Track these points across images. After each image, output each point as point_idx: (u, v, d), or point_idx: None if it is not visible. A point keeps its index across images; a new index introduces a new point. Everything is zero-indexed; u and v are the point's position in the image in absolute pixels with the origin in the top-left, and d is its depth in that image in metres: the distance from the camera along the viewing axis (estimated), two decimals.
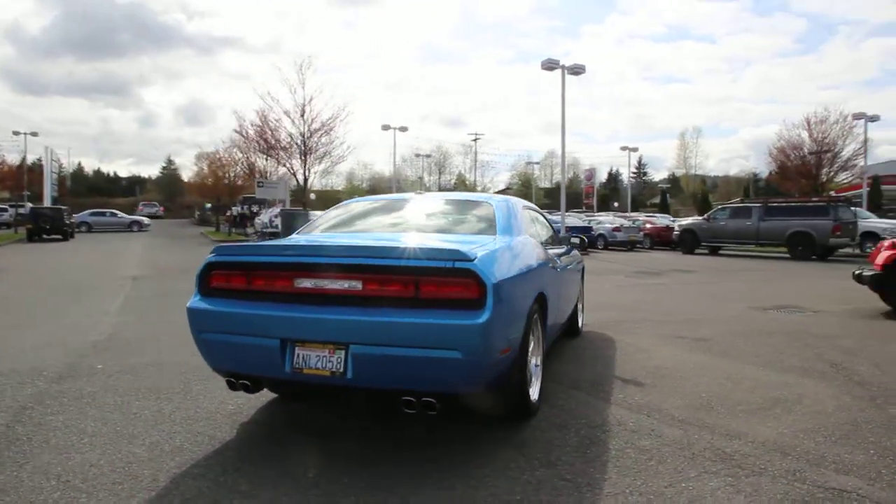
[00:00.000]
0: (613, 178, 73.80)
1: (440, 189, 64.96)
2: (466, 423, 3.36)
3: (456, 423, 3.36)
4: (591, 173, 69.34)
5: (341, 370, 2.81)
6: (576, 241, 5.87)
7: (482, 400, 3.12)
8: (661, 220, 28.04)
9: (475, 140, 65.06)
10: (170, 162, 73.01)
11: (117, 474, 2.76)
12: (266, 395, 3.84)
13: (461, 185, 65.44)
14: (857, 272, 7.84)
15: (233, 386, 3.12)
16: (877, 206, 26.55)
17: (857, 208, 20.64)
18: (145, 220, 37.12)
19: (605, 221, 25.43)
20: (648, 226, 25.72)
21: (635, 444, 3.06)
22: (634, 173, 72.95)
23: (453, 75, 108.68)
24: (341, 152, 14.90)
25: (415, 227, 3.90)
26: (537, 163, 71.73)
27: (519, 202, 4.40)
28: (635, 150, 48.14)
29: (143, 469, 2.81)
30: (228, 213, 32.25)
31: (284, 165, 15.02)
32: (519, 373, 3.17)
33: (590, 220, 25.95)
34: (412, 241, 3.13)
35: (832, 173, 26.17)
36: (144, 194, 65.54)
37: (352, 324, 2.79)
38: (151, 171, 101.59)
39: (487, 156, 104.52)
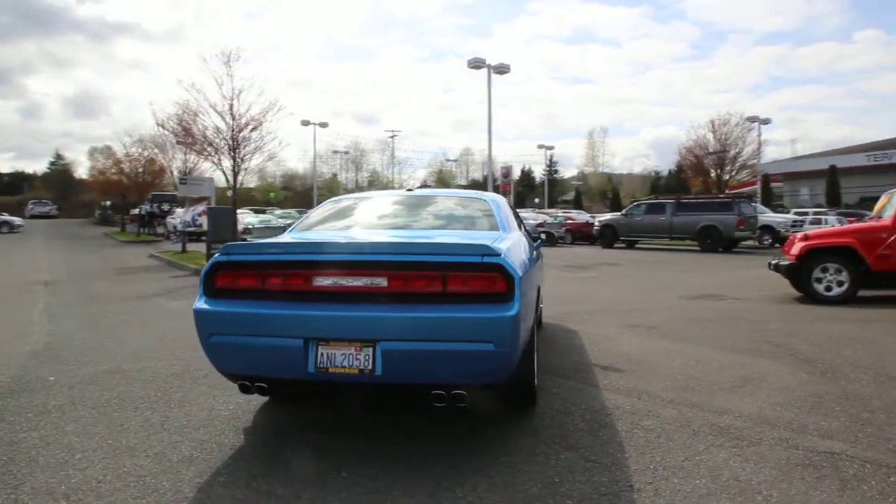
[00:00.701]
0: (527, 175, 75.98)
1: (358, 187, 64.28)
2: (470, 417, 3.44)
3: (462, 417, 3.43)
4: (507, 171, 70.86)
5: (370, 367, 2.79)
6: (543, 236, 6.12)
7: (495, 391, 3.21)
8: (580, 216, 29.31)
9: (392, 137, 64.97)
10: (59, 157, 66.97)
11: (133, 489, 2.60)
12: (257, 399, 3.72)
13: (378, 182, 65.08)
14: (773, 262, 8.65)
15: (246, 390, 3.01)
16: (768, 202, 29.28)
17: (755, 204, 22.64)
18: (17, 220, 33.59)
19: (529, 218, 26.25)
20: (569, 222, 26.81)
21: (639, 424, 3.27)
22: (546, 171, 75.73)
23: (364, 71, 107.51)
24: (273, 147, 14.41)
25: (418, 223, 3.92)
26: (455, 160, 72.73)
27: (503, 199, 4.53)
28: (552, 148, 50.17)
29: (160, 481, 2.66)
30: (135, 212, 30.17)
31: (212, 161, 14.32)
32: (528, 362, 3.30)
33: (557, 218, 26.63)
34: (435, 236, 3.18)
35: (734, 171, 28.63)
36: (32, 192, 59.86)
37: (382, 320, 2.78)
38: (37, 166, 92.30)
39: (404, 153, 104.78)
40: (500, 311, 2.76)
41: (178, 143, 18.59)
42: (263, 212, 29.73)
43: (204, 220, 14.46)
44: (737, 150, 27.65)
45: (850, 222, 18.10)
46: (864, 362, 4.53)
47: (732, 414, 3.41)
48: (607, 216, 24.67)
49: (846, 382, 4.02)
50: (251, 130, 14.04)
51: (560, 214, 29.46)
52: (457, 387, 2.81)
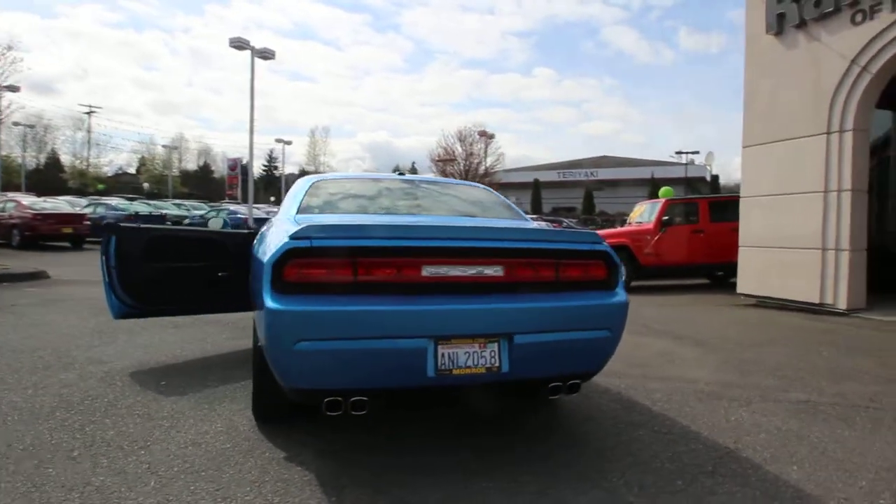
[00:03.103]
0: (244, 169, 72.53)
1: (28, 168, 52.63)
2: (503, 408, 3.39)
3: (488, 409, 3.34)
4: (235, 163, 66.48)
5: (497, 364, 2.54)
6: None
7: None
8: None
9: (90, 113, 55.20)
10: None
11: None
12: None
13: (74, 168, 54.69)
14: None
15: (335, 408, 2.42)
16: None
17: None
18: None
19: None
20: None
21: (667, 397, 3.64)
22: (266, 166, 73.42)
23: (40, 29, 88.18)
24: None
25: (455, 209, 3.58)
26: (174, 147, 65.28)
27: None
28: (290, 143, 48.65)
29: None
30: None
31: None
32: None
33: (270, 213, 25.33)
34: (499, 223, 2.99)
35: (478, 179, 32.24)
36: None
37: (512, 312, 2.56)
38: None
39: (101, 133, 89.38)
40: (613, 297, 2.80)
41: None
42: None
43: None
44: (478, 160, 31.33)
45: (556, 227, 22.11)
46: (710, 335, 5.77)
47: (701, 381, 4.04)
48: None
49: (724, 352, 5.09)
50: None
51: None
52: (572, 377, 2.76)
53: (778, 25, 7.52)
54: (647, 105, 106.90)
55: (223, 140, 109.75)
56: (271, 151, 74.18)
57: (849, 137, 6.76)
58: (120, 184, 57.73)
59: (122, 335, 5.19)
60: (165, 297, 4.43)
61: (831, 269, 6.93)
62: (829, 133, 6.94)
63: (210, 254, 4.59)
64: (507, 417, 3.30)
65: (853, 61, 6.66)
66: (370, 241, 2.47)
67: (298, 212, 3.20)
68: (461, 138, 31.24)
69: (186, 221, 23.06)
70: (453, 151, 31.59)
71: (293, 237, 2.38)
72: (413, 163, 68.37)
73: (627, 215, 19.48)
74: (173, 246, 4.48)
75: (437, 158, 32.47)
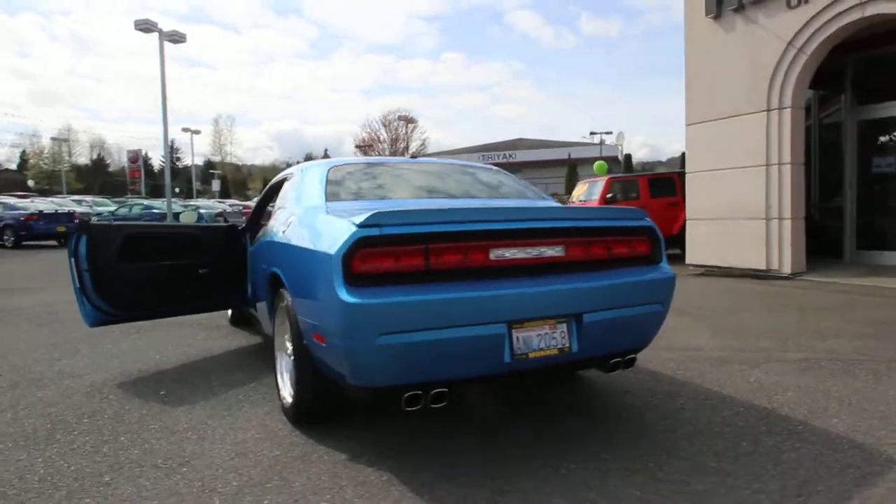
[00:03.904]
0: (144, 161, 68.16)
1: None
2: (549, 392, 3.38)
3: (539, 396, 3.32)
4: (136, 155, 62.49)
5: (567, 345, 2.51)
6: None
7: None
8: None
9: None
10: None
11: None
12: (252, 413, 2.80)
13: None
14: None
15: (415, 402, 2.28)
16: None
17: None
18: None
19: (207, 207, 23.91)
20: (246, 210, 25.55)
21: (684, 366, 3.75)
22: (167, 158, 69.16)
23: None
24: None
25: (485, 192, 3.45)
26: (65, 140, 60.06)
27: None
28: (198, 132, 45.99)
29: None
30: None
31: None
32: None
33: (187, 206, 23.86)
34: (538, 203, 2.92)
35: None
36: None
37: (581, 292, 2.53)
38: None
39: None
40: (664, 272, 2.84)
41: None
42: None
43: None
44: (404, 145, 31.03)
45: None
46: (685, 304, 6.05)
47: (706, 348, 4.22)
48: None
49: (708, 320, 5.34)
50: None
51: (238, 204, 27.72)
52: (628, 351, 2.77)
53: (717, 8, 7.92)
54: (554, 88, 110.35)
55: (115, 131, 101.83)
56: (173, 142, 69.70)
57: (787, 114, 7.27)
58: (0, 181, 52.21)
59: (81, 345, 4.69)
60: (145, 299, 4.04)
61: (775, 237, 7.46)
62: (768, 110, 7.43)
63: (190, 250, 4.24)
64: (545, 401, 3.28)
65: (790, 43, 7.15)
66: (440, 227, 2.33)
67: (327, 199, 2.98)
68: (385, 123, 30.89)
69: (95, 220, 21.28)
70: (378, 137, 31.20)
71: (362, 225, 2.21)
72: (325, 150, 66.87)
73: (554, 195, 20.10)
74: (151, 244, 4.08)
75: (360, 144, 31.89)
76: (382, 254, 2.23)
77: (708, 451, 2.53)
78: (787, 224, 7.35)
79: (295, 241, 2.72)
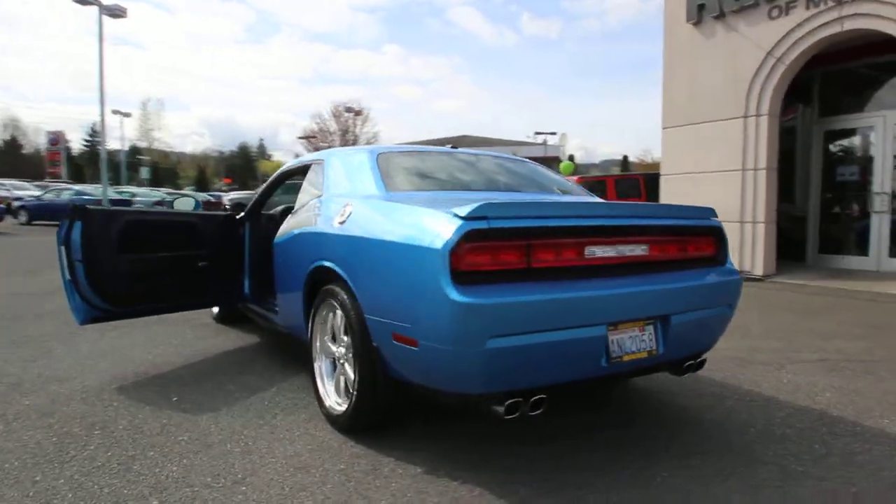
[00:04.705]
0: (106, 146, 64.03)
1: None
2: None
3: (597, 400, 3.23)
4: (57, 137, 58.43)
5: (655, 348, 2.41)
6: None
7: None
8: (199, 195, 26.75)
9: None
10: None
11: None
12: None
13: None
14: None
15: (514, 411, 2.11)
16: None
17: None
18: None
19: (143, 195, 22.56)
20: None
21: (714, 366, 3.71)
22: (87, 142, 65.04)
23: None
24: None
25: (541, 187, 3.28)
26: None
27: None
28: (129, 115, 43.39)
29: None
30: None
31: None
32: None
33: (122, 193, 22.41)
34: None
35: None
36: None
37: (670, 292, 2.43)
38: None
39: None
40: (734, 274, 2.79)
41: None
42: None
43: None
44: (353, 138, 30.36)
45: None
46: None
47: (721, 348, 4.23)
48: (240, 194, 23.33)
49: None
50: None
51: (177, 192, 26.27)
52: (699, 354, 2.71)
53: (698, 15, 8.11)
54: (494, 85, 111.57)
55: (33, 112, 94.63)
56: (93, 125, 65.39)
57: (764, 121, 7.53)
58: None
59: (53, 344, 4.20)
60: (143, 294, 3.64)
61: (749, 240, 7.72)
62: (746, 117, 7.68)
63: (190, 240, 3.87)
64: (599, 404, 3.17)
65: (769, 53, 7.40)
66: (543, 221, 2.17)
67: (387, 189, 2.73)
68: (336, 115, 30.13)
69: (17, 205, 19.62)
70: (328, 128, 30.38)
71: (468, 217, 2.01)
72: (261, 139, 64.67)
73: None
74: (150, 232, 3.69)
75: (306, 135, 30.96)
76: (488, 249, 2.04)
77: (786, 454, 2.48)
78: (761, 227, 7.63)
79: (365, 233, 2.45)
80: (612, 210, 2.48)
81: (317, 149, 31.76)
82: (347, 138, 30.16)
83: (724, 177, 7.96)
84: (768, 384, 3.44)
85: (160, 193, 24.15)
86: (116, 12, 18.35)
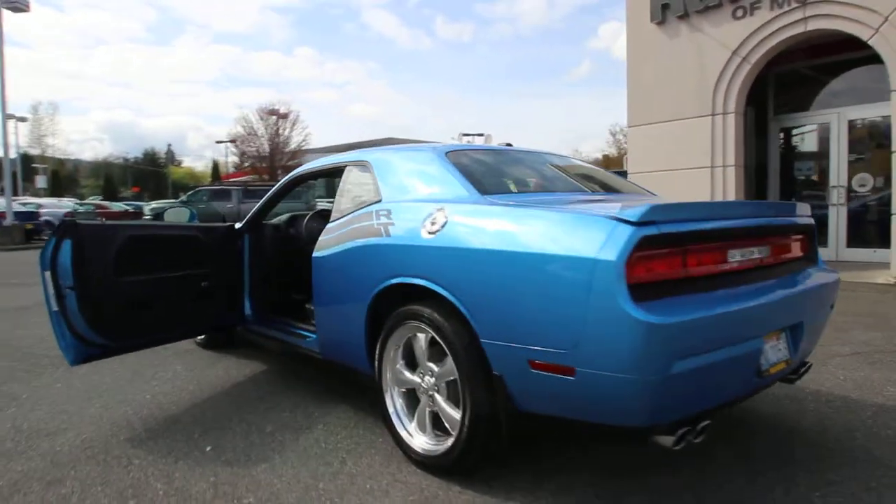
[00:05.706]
0: None
1: None
2: None
3: None
4: None
5: (789, 356, 2.24)
6: None
7: None
8: (115, 205, 24.80)
9: None
10: None
11: None
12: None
13: None
14: None
15: (681, 441, 1.83)
16: None
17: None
18: None
19: (50, 206, 20.54)
20: (102, 211, 22.39)
21: None
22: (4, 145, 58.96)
23: None
24: None
25: (606, 185, 3.00)
26: None
27: None
28: (24, 120, 39.53)
29: None
30: None
31: None
32: None
33: (26, 205, 20.29)
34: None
35: (285, 160, 29.77)
36: None
37: (804, 296, 2.28)
38: None
39: None
40: (834, 273, 2.66)
41: None
42: None
43: None
44: (284, 139, 29.12)
45: None
46: None
47: None
48: (161, 203, 21.80)
49: None
50: None
51: (87, 202, 24.14)
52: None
53: (662, 15, 8.22)
54: (412, 88, 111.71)
55: None
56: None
57: (731, 119, 7.73)
58: None
59: (15, 387, 3.52)
60: (146, 323, 3.09)
61: None
62: (713, 115, 7.86)
63: (194, 257, 3.34)
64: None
65: (734, 52, 7.60)
66: (701, 224, 1.93)
67: (479, 191, 2.36)
68: (263, 117, 28.78)
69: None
70: (256, 131, 28.94)
71: (639, 223, 1.72)
72: (169, 145, 61.17)
73: None
74: (151, 249, 3.13)
75: (232, 139, 29.37)
76: (657, 258, 1.76)
77: None
78: None
79: (481, 244, 2.07)
80: (745, 210, 2.27)
81: (243, 153, 30.30)
82: (277, 141, 28.88)
83: (692, 174, 8.11)
84: (829, 382, 3.37)
85: (70, 203, 22.05)
86: (18, 6, 16.52)
